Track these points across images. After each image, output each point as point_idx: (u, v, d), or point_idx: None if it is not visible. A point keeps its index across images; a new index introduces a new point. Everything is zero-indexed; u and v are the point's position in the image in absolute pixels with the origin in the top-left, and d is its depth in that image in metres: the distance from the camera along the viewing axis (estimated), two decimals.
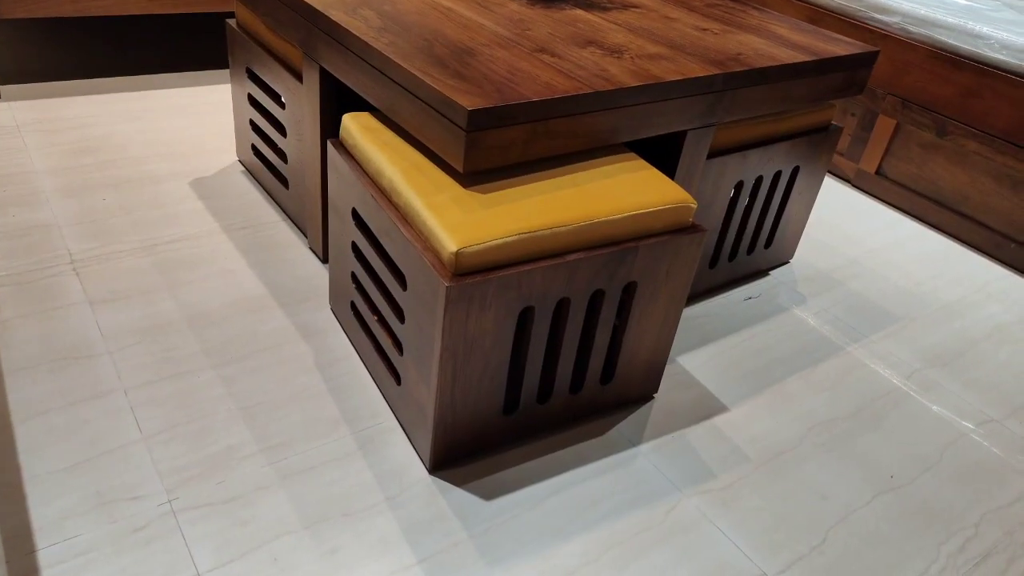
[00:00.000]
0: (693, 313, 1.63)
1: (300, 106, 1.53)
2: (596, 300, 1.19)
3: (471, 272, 1.02)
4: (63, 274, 1.48)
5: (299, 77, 1.51)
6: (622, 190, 1.16)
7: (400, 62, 1.15)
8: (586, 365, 1.25)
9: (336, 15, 1.32)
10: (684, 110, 1.31)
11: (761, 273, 1.81)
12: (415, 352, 1.14)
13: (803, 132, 1.63)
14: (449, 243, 1.00)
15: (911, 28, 2.08)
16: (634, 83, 1.21)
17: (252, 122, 1.79)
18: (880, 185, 2.24)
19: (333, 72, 1.35)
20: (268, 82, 1.64)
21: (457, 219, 1.04)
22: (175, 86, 2.29)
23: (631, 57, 1.32)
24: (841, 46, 1.55)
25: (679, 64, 1.32)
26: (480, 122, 1.06)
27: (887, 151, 2.20)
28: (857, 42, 1.59)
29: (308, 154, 1.54)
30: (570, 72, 1.21)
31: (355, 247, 1.30)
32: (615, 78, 1.21)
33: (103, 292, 1.45)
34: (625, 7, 1.60)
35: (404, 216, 1.12)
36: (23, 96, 2.11)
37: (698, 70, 1.30)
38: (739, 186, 1.56)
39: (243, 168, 1.92)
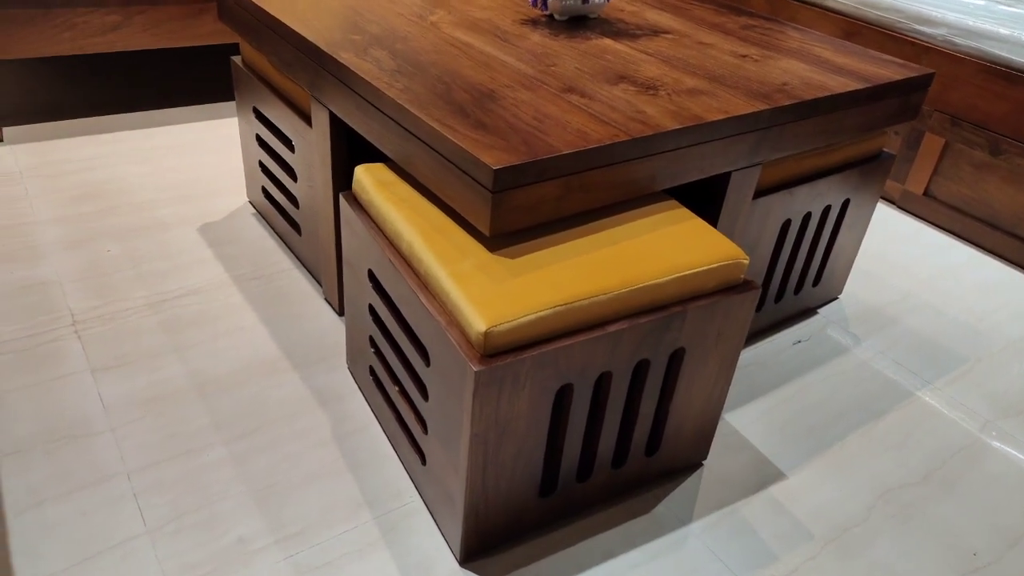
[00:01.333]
0: (740, 361, 1.51)
1: (310, 151, 1.43)
2: (640, 370, 1.07)
3: (502, 352, 0.91)
4: (64, 338, 1.39)
5: (308, 120, 1.41)
6: (666, 246, 1.04)
7: (416, 112, 1.05)
8: (630, 437, 1.13)
9: (345, 57, 1.21)
10: (728, 150, 1.19)
11: (809, 312, 1.68)
12: (441, 433, 1.02)
13: (853, 163, 1.50)
14: (477, 321, 0.89)
15: (958, 40, 1.94)
16: (674, 125, 1.09)
17: (261, 164, 1.69)
18: (928, 207, 2.10)
19: (344, 118, 1.25)
20: (276, 124, 1.54)
21: (485, 291, 0.92)
22: (182, 121, 2.20)
23: (668, 93, 1.20)
24: (893, 69, 1.42)
25: (721, 100, 1.20)
26: (507, 181, 0.94)
27: (935, 171, 2.06)
28: (910, 64, 1.47)
29: (320, 202, 1.44)
30: (603, 115, 1.10)
31: (372, 310, 1.19)
32: (653, 120, 1.10)
33: (106, 358, 1.36)
34: (655, 33, 1.49)
35: (426, 284, 1.01)
36: (26, 138, 2.04)
37: (742, 106, 1.18)
38: (786, 224, 1.44)
39: (254, 210, 1.83)
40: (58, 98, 2.27)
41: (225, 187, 1.91)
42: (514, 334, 0.90)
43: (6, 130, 2.07)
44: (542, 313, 0.91)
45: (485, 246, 1.00)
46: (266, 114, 1.57)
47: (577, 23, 1.50)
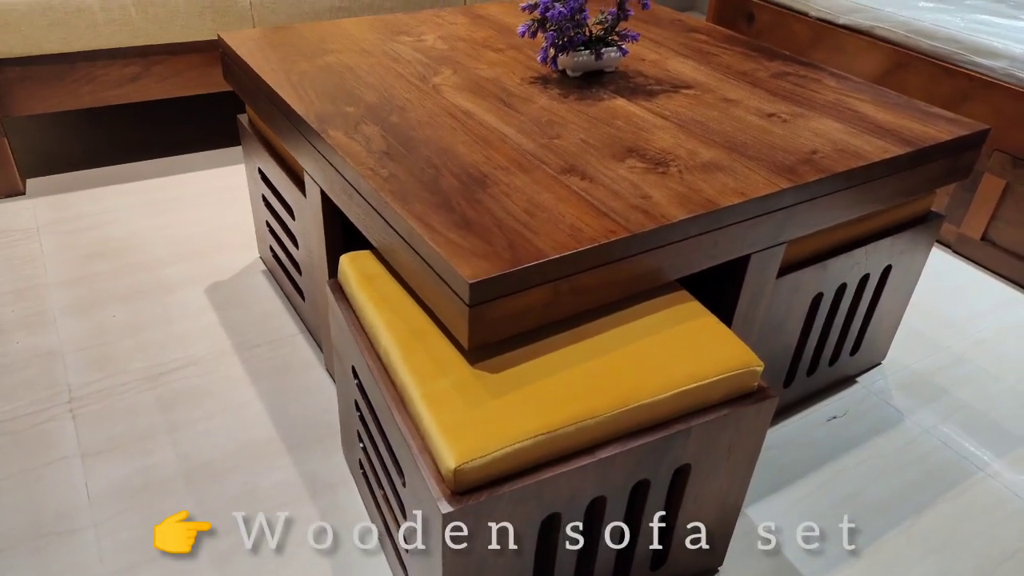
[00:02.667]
0: (766, 444, 1.39)
1: (306, 221, 1.36)
2: (639, 490, 0.97)
3: (476, 488, 0.83)
4: (59, 418, 1.36)
5: (304, 190, 1.35)
6: (668, 353, 0.94)
7: (396, 207, 0.97)
8: (631, 555, 1.03)
9: (333, 135, 1.14)
10: (747, 234, 1.08)
11: (848, 380, 1.55)
12: (420, 560, 0.94)
13: (896, 227, 1.36)
14: (447, 456, 0.81)
15: (1022, 74, 1.77)
16: (682, 214, 0.99)
17: (268, 224, 1.64)
18: (986, 253, 1.92)
19: (332, 198, 1.18)
20: (278, 188, 1.49)
21: (459, 419, 0.84)
22: (199, 167, 2.18)
23: (679, 170, 1.09)
24: (941, 126, 1.28)
25: (738, 176, 1.08)
26: (486, 293, 0.86)
27: (995, 215, 1.89)
28: (961, 119, 1.32)
29: (318, 273, 1.38)
30: (602, 204, 1.00)
31: (357, 406, 1.12)
32: (658, 209, 1.00)
33: (98, 441, 1.32)
34: (675, 89, 1.37)
35: (401, 399, 0.93)
36: (47, 189, 2.04)
37: (762, 185, 1.07)
38: (818, 298, 1.31)
39: (264, 267, 1.78)
40: (78, 148, 2.28)
41: (236, 241, 1.87)
42: (489, 468, 0.82)
43: (30, 182, 2.08)
44: (522, 444, 0.82)
45: (466, 358, 0.91)
46: (269, 177, 1.52)
47: (591, 79, 1.40)
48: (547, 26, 1.32)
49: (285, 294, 1.68)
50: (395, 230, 0.99)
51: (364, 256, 1.10)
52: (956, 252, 2.00)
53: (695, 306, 1.03)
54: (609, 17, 1.38)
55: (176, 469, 1.28)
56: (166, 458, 1.29)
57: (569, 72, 1.40)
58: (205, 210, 1.99)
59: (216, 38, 2.03)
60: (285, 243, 1.56)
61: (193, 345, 1.54)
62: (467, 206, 0.98)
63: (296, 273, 1.54)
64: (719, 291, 1.19)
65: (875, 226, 1.33)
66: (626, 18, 1.35)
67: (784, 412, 1.46)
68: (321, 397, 1.43)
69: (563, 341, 0.95)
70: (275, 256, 1.67)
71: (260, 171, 1.57)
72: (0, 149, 1.92)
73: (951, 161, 1.29)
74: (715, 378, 0.93)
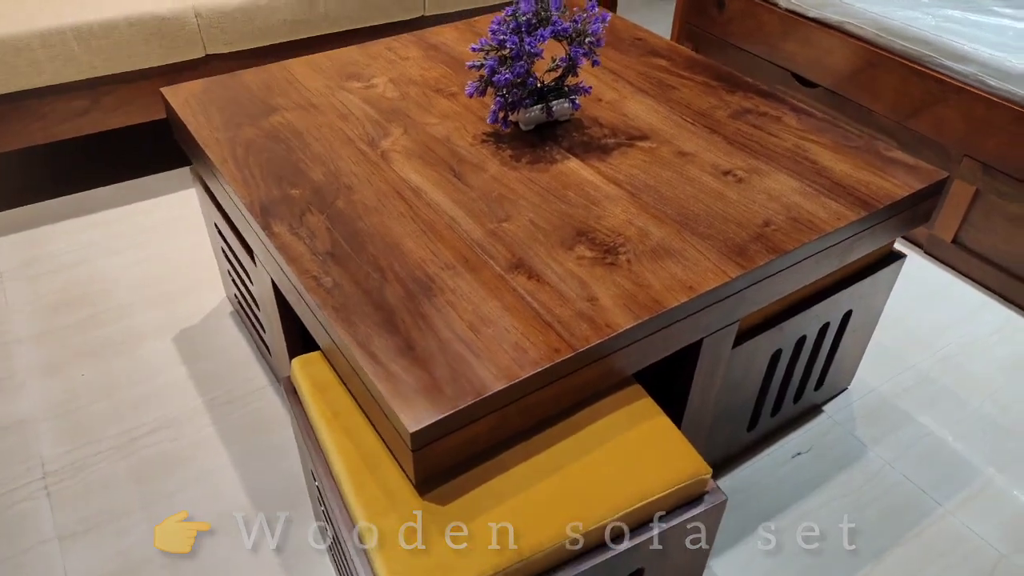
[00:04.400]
0: (728, 487, 1.42)
1: (263, 297, 1.35)
2: None
3: None
4: (34, 497, 1.38)
5: (255, 260, 1.33)
6: (618, 467, 0.95)
7: (340, 331, 0.96)
8: None
9: (277, 232, 1.12)
10: (697, 324, 1.07)
11: (814, 410, 1.57)
12: None
13: (855, 275, 1.35)
14: None
15: (991, 81, 1.72)
16: (628, 323, 0.98)
17: (230, 274, 1.63)
18: (958, 256, 1.92)
19: (282, 291, 1.17)
20: (234, 250, 1.47)
21: (407, 567, 0.85)
22: (160, 192, 2.14)
23: (628, 260, 1.08)
24: (901, 178, 1.26)
25: (688, 264, 1.07)
26: (428, 436, 0.86)
27: (965, 219, 1.88)
28: (922, 166, 1.30)
29: (278, 345, 1.38)
30: (547, 311, 0.99)
31: (321, 501, 1.13)
32: (603, 316, 0.99)
33: (74, 520, 1.34)
34: (631, 141, 1.34)
35: (353, 524, 0.94)
36: (9, 226, 2.01)
37: (711, 275, 1.06)
38: (776, 355, 1.32)
39: (231, 308, 1.78)
40: (38, 178, 2.23)
41: (202, 278, 1.85)
42: None
43: None
44: None
45: (415, 488, 0.92)
46: (224, 235, 1.50)
47: (544, 132, 1.36)
48: (495, 89, 1.28)
49: (253, 341, 1.68)
50: (339, 350, 0.98)
51: (315, 360, 1.10)
52: (929, 254, 1.99)
53: (646, 405, 1.03)
54: (561, 65, 1.34)
55: (151, 551, 1.30)
56: (140, 539, 1.32)
57: (522, 126, 1.37)
58: (169, 242, 1.96)
59: (165, 64, 1.96)
60: (248, 299, 1.55)
61: (164, 405, 1.55)
62: (411, 323, 0.97)
63: (261, 329, 1.54)
64: (673, 372, 1.19)
65: (832, 279, 1.33)
66: (576, 73, 1.31)
67: (750, 451, 1.48)
68: (291, 459, 1.45)
69: (513, 457, 0.96)
70: (240, 304, 1.66)
71: (216, 225, 1.55)
72: None
73: (910, 213, 1.28)
74: (664, 493, 0.94)
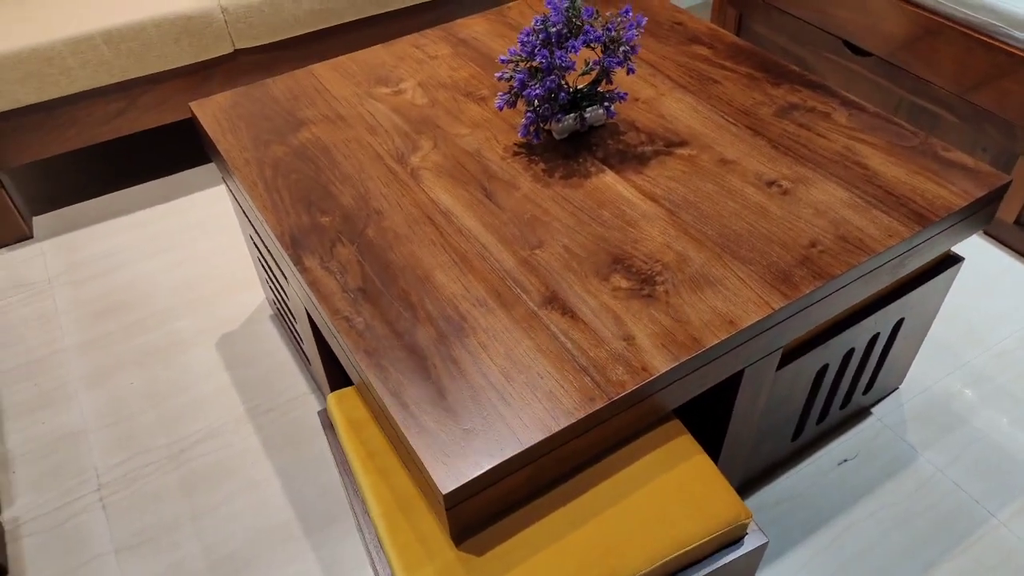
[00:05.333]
0: (771, 498, 1.39)
1: (300, 316, 1.35)
2: None
3: None
4: (90, 509, 1.43)
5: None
6: (656, 512, 0.94)
7: (372, 377, 0.95)
8: None
9: (309, 266, 1.11)
10: (737, 356, 1.04)
11: (863, 412, 1.52)
12: None
13: (908, 285, 1.29)
14: None
15: None
16: (665, 366, 0.95)
17: (269, 283, 1.63)
18: (1020, 238, 1.82)
19: (319, 327, 1.16)
20: (270, 267, 1.47)
21: None
22: (198, 187, 2.15)
23: (666, 291, 1.04)
24: (960, 183, 1.18)
25: (729, 293, 1.03)
26: (461, 495, 0.86)
27: None
28: (983, 169, 1.21)
29: (316, 362, 1.38)
30: (582, 353, 0.96)
31: (359, 531, 1.15)
32: (641, 357, 0.96)
33: (129, 533, 1.39)
34: (669, 149, 1.28)
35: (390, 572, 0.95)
36: (54, 229, 2.04)
37: (753, 307, 1.01)
38: (823, 369, 1.27)
39: (271, 311, 1.79)
40: (80, 179, 2.25)
41: (241, 280, 1.87)
42: None
43: (37, 220, 2.08)
44: None
45: (451, 539, 0.93)
46: (262, 252, 1.50)
47: (578, 141, 1.31)
48: (525, 102, 1.23)
49: (292, 346, 1.69)
50: (372, 393, 0.98)
51: (351, 396, 1.10)
52: (990, 236, 1.89)
53: (683, 443, 1.01)
54: (594, 68, 1.28)
55: (203, 563, 1.35)
56: (192, 552, 1.37)
57: (555, 135, 1.32)
58: (206, 241, 1.98)
59: (196, 61, 1.94)
60: (286, 309, 1.55)
61: (208, 414, 1.58)
62: (443, 369, 0.96)
63: (299, 340, 1.55)
64: (713, 401, 1.16)
65: (882, 290, 1.27)
66: (610, 81, 1.25)
67: (794, 458, 1.45)
68: (334, 470, 1.48)
69: (549, 503, 0.95)
70: (279, 311, 1.67)
71: (251, 238, 1.55)
72: (0, 201, 1.92)
73: (968, 221, 1.20)
74: (702, 541, 0.92)
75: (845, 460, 1.45)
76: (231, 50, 1.96)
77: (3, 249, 2.00)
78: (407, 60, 1.55)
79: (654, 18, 1.64)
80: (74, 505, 1.44)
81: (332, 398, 1.10)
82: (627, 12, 1.19)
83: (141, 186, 2.18)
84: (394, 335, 1.01)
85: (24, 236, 2.01)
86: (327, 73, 1.53)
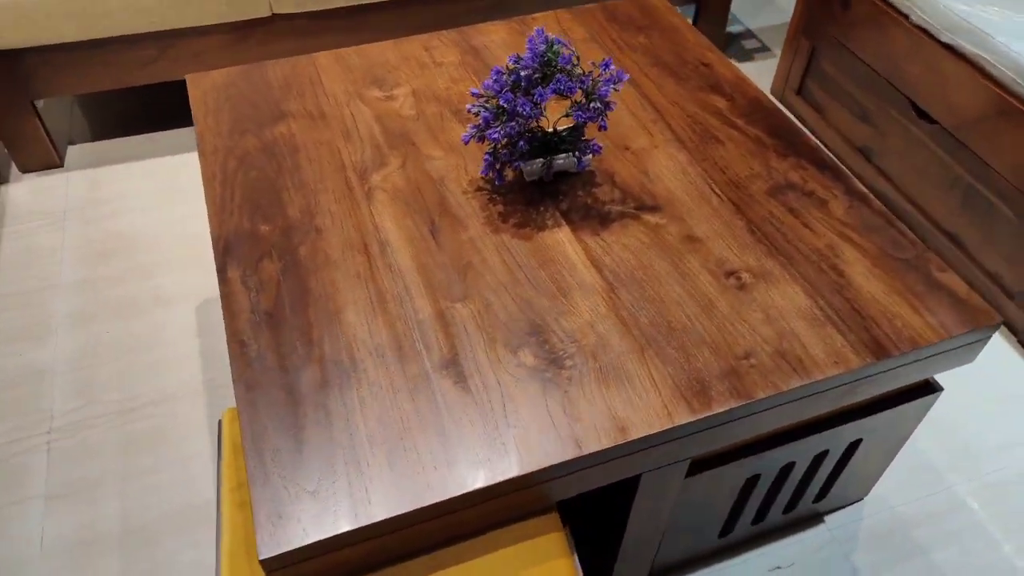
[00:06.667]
0: None
1: None
2: None
3: None
4: (35, 450, 1.50)
5: None
6: None
7: (244, 415, 0.93)
8: None
9: (230, 274, 1.09)
10: (631, 463, 0.97)
11: (814, 519, 1.42)
12: None
13: (868, 409, 1.17)
14: None
15: None
16: (535, 466, 0.89)
17: None
18: None
19: None
20: None
21: None
22: None
23: (569, 378, 0.97)
24: (941, 315, 1.06)
25: (633, 396, 0.96)
26: (283, 563, 0.83)
27: None
28: (975, 302, 1.08)
29: None
30: (455, 431, 0.92)
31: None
32: (515, 448, 0.90)
33: (62, 483, 1.45)
34: (639, 212, 1.20)
35: None
36: (84, 161, 2.11)
37: (654, 417, 0.94)
38: (753, 479, 1.18)
39: None
40: (119, 113, 2.31)
41: None
42: None
43: (71, 149, 2.16)
44: None
45: None
46: None
47: (547, 186, 1.24)
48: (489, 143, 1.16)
49: None
50: (239, 429, 0.96)
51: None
52: (1022, 344, 1.71)
53: (554, 540, 0.96)
54: (571, 114, 1.19)
55: (116, 527, 1.39)
56: (110, 513, 1.41)
57: (526, 177, 1.25)
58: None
59: (233, 20, 1.94)
60: None
61: (167, 377, 1.62)
62: (312, 418, 0.93)
63: None
64: (609, 498, 1.09)
65: (832, 411, 1.16)
66: (582, 134, 1.17)
67: (721, 554, 1.37)
68: None
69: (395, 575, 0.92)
70: None
71: None
72: (32, 129, 1.99)
73: (943, 356, 1.08)
74: None
75: (778, 568, 1.36)
76: (268, 13, 1.95)
77: (34, 174, 2.08)
78: (410, 62, 1.50)
79: (681, 56, 1.53)
80: (23, 443, 1.51)
81: (227, 414, 1.10)
82: (607, 65, 1.10)
83: (173, 131, 2.23)
84: (280, 370, 0.98)
85: (54, 164, 2.09)
86: (327, 63, 1.50)
